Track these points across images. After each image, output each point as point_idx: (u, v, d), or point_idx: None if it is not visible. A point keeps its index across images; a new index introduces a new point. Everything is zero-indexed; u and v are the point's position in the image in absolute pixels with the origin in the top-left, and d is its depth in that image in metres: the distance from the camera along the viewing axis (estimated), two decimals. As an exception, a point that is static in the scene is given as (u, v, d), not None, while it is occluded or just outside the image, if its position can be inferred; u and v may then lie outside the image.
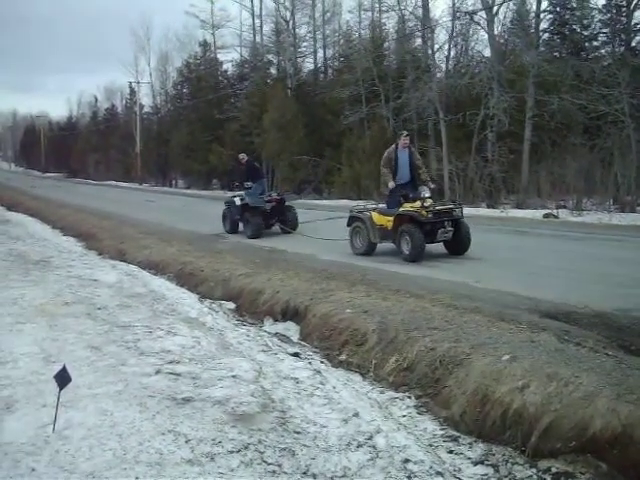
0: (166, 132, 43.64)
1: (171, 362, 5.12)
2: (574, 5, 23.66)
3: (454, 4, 24.03)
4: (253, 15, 37.32)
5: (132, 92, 53.71)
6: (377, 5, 31.57)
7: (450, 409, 4.60)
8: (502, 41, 25.40)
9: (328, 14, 34.65)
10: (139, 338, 5.78)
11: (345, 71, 29.53)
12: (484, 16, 22.66)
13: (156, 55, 50.09)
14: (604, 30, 23.06)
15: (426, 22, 24.91)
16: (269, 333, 6.96)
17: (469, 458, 4.05)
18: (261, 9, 36.62)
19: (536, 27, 22.77)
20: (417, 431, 4.39)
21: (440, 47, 26.05)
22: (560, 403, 4.05)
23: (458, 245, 10.09)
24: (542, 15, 22.82)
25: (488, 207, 19.85)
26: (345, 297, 7.19)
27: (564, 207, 17.76)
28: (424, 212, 9.70)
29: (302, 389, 4.92)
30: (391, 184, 10.26)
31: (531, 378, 4.38)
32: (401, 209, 10.04)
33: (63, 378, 3.84)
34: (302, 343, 6.58)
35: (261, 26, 36.80)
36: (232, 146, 30.75)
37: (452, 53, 26.74)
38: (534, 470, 3.86)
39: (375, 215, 10.54)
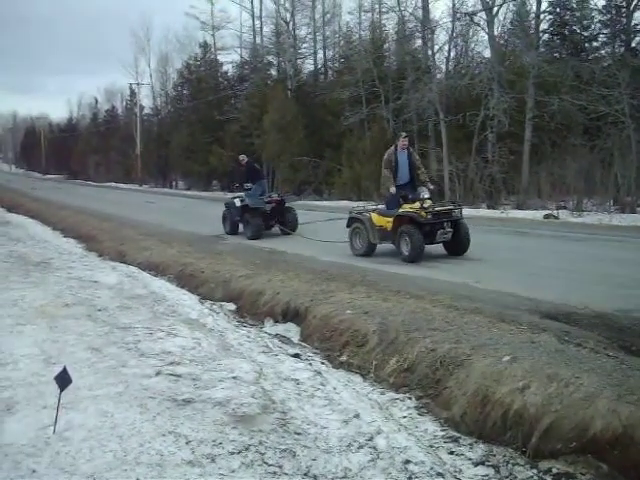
0: (166, 133, 43.70)
1: (172, 363, 5.12)
2: (574, 6, 23.69)
3: (454, 5, 24.11)
4: (253, 16, 37.39)
5: (132, 93, 53.88)
6: (377, 6, 31.64)
7: (451, 410, 4.60)
8: (502, 42, 25.43)
9: (328, 15, 34.74)
10: (139, 339, 5.78)
11: (345, 72, 29.54)
12: (484, 17, 22.71)
13: (156, 56, 50.20)
14: (604, 31, 23.10)
15: (426, 23, 24.95)
16: (270, 334, 6.96)
17: (470, 459, 4.05)
18: (261, 10, 36.70)
19: (536, 28, 22.78)
20: (418, 432, 4.39)
21: (440, 48, 26.15)
22: (561, 404, 4.05)
23: (457, 246, 10.09)
24: (542, 16, 22.85)
25: (488, 208, 19.86)
26: (345, 298, 7.19)
27: (564, 208, 17.77)
28: (423, 213, 9.71)
29: (303, 390, 4.92)
30: (392, 189, 10.26)
31: (532, 379, 4.37)
32: (400, 210, 10.05)
33: (64, 380, 3.84)
34: (303, 344, 6.58)
35: (261, 27, 36.89)
36: (232, 147, 30.75)
37: (452, 54, 26.82)
38: (535, 471, 3.86)
39: (374, 216, 10.54)
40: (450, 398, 4.70)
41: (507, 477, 3.84)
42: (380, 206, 11.13)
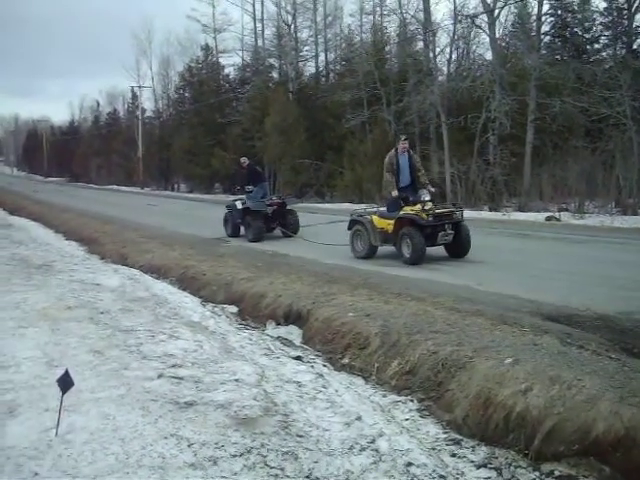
0: (168, 136, 43.77)
1: (173, 366, 5.12)
2: (575, 8, 23.71)
3: (455, 7, 24.15)
4: (255, 19, 37.46)
5: (134, 96, 53.97)
6: (378, 9, 31.68)
7: (453, 412, 4.59)
8: (504, 44, 25.47)
9: (329, 18, 34.77)
10: (141, 342, 5.78)
11: (347, 75, 29.57)
12: (485, 19, 22.74)
13: (158, 59, 50.27)
14: (605, 33, 23.11)
15: (427, 25, 24.97)
16: (271, 337, 6.95)
17: (472, 461, 4.04)
18: (263, 13, 36.78)
19: (537, 30, 22.81)
20: (420, 434, 4.39)
21: (442, 50, 26.13)
22: (563, 406, 4.04)
23: (458, 248, 10.10)
24: (543, 18, 22.89)
25: (490, 210, 19.84)
26: (347, 301, 7.19)
27: (566, 210, 17.75)
28: (424, 215, 9.71)
29: (304, 393, 4.92)
30: (394, 192, 10.26)
31: (534, 381, 4.37)
32: (402, 212, 10.05)
33: (66, 382, 3.85)
34: (304, 347, 6.57)
35: (263, 30, 36.96)
36: (234, 150, 30.77)
37: (454, 56, 26.74)
38: (537, 473, 3.85)
39: (376, 218, 10.55)
40: (452, 400, 4.69)
41: (509, 479, 3.84)
42: (381, 209, 11.13)
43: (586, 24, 23.70)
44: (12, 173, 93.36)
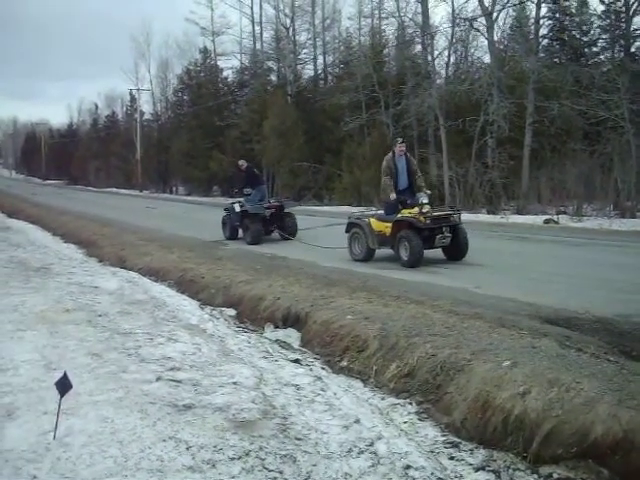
0: (166, 139, 43.79)
1: (172, 369, 5.12)
2: (573, 11, 23.78)
3: (454, 11, 24.16)
4: (253, 22, 37.51)
5: (132, 99, 54.07)
6: (377, 12, 31.73)
7: (451, 415, 4.59)
8: (502, 47, 25.48)
9: (328, 21, 34.82)
10: (140, 345, 5.78)
11: (345, 78, 29.62)
12: (484, 22, 22.78)
13: (156, 62, 50.31)
14: (603, 36, 23.20)
15: (426, 29, 25.01)
16: (270, 340, 6.95)
17: (470, 464, 4.04)
18: (261, 16, 36.83)
19: (536, 33, 22.84)
20: (418, 437, 4.39)
21: (440, 53, 26.23)
22: (561, 409, 4.04)
23: (456, 251, 10.11)
24: (541, 21, 22.95)
25: (488, 213, 19.86)
26: (346, 303, 7.19)
27: (564, 213, 17.78)
28: (422, 218, 9.72)
29: (303, 395, 4.92)
30: (393, 196, 10.26)
31: (532, 384, 4.37)
32: (399, 215, 10.06)
33: (64, 385, 3.84)
34: (303, 350, 6.57)
35: (261, 33, 37.02)
36: (232, 153, 30.82)
37: (452, 59, 26.88)
38: (535, 476, 3.85)
39: (373, 221, 10.55)
40: (451, 403, 4.69)
41: (508, 482, 3.84)
42: (379, 212, 11.13)
43: (584, 27, 23.79)
44: (10, 176, 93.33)
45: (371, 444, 4.05)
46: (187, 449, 3.69)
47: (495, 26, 23.30)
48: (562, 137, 21.23)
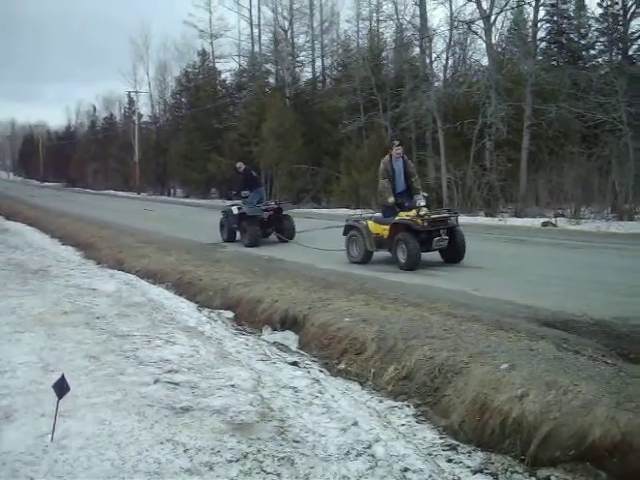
0: (164, 141, 43.79)
1: (170, 371, 5.12)
2: (571, 14, 23.83)
3: (452, 13, 24.17)
4: (251, 25, 37.47)
5: (130, 101, 53.94)
6: (375, 15, 31.68)
7: (449, 418, 4.59)
8: (500, 50, 25.53)
9: (326, 23, 34.80)
10: (138, 347, 5.77)
11: (343, 80, 29.62)
12: (482, 25, 22.78)
13: (155, 64, 50.28)
14: (601, 39, 23.26)
15: (424, 31, 25.02)
16: (268, 342, 6.95)
17: (468, 467, 4.04)
18: (259, 19, 36.80)
19: (533, 36, 22.88)
20: (416, 440, 4.39)
21: (438, 56, 26.24)
22: (559, 411, 4.05)
23: (453, 253, 10.11)
24: (539, 24, 23.00)
25: (486, 216, 19.88)
26: (344, 306, 7.19)
27: (562, 215, 17.79)
28: (420, 221, 9.72)
29: (301, 398, 4.91)
30: (391, 199, 10.26)
31: (530, 386, 4.37)
32: (397, 218, 10.06)
33: (61, 387, 3.84)
34: (301, 352, 6.57)
35: (259, 35, 36.98)
36: (231, 155, 30.79)
37: (450, 62, 26.92)
38: (533, 479, 3.86)
39: (371, 224, 10.56)
40: (448, 406, 4.69)
41: (506, 485, 3.84)
42: (377, 214, 11.14)
43: (582, 30, 23.85)
44: (8, 178, 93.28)
45: (369, 447, 4.04)
46: (185, 452, 3.69)
47: (493, 29, 23.36)
48: (560, 140, 21.25)
